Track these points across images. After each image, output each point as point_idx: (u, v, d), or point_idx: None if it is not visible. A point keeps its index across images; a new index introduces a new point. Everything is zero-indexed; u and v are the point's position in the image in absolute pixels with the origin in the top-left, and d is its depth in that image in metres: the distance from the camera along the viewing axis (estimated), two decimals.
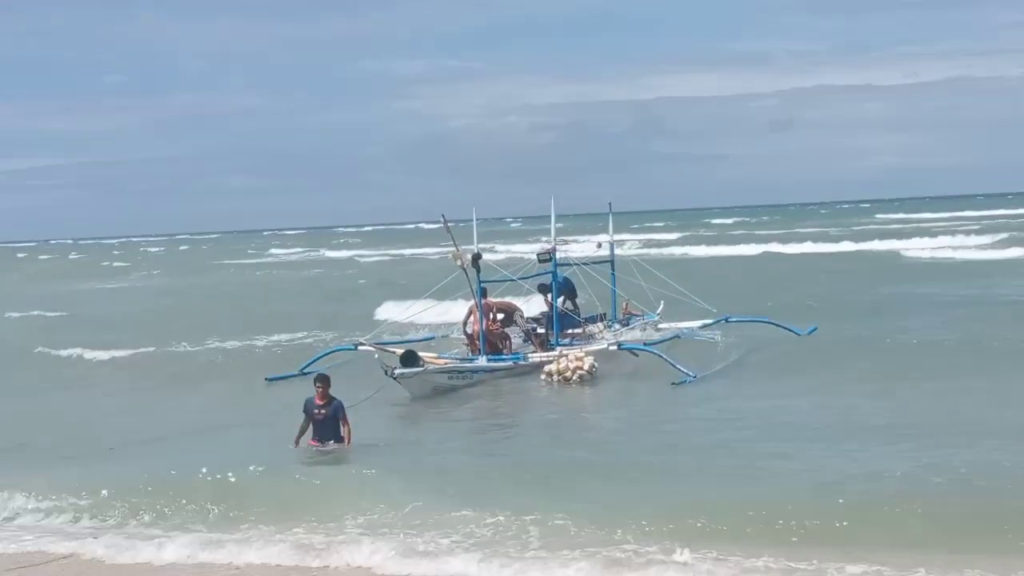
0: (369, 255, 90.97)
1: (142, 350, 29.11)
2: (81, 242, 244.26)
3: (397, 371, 20.87)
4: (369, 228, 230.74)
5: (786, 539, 11.18)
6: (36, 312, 43.89)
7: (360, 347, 24.61)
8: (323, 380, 16.38)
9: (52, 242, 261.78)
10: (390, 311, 33.22)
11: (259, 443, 17.38)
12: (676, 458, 15.03)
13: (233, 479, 14.12)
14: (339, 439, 16.20)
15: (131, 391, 24.71)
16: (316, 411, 16.21)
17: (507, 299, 25.13)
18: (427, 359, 22.18)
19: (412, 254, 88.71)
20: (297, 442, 16.28)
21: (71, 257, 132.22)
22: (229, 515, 13.24)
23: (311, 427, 16.34)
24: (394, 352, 22.55)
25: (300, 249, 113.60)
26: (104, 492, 14.01)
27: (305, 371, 24.06)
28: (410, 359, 21.41)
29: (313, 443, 16.26)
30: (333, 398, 16.33)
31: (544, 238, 27.61)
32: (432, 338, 26.76)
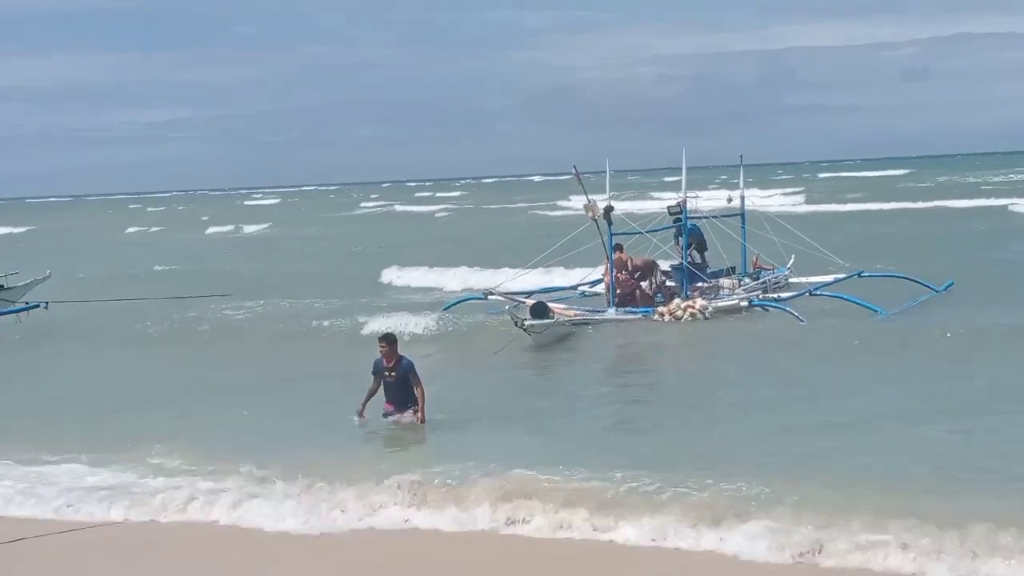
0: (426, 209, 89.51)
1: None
2: (212, 193, 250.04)
3: (527, 322, 21.17)
4: (490, 180, 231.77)
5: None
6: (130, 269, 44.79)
7: (490, 296, 24.99)
8: (387, 339, 14.81)
9: (194, 192, 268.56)
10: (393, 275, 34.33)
11: None
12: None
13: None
14: (412, 403, 14.59)
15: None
16: (386, 373, 14.64)
17: (647, 256, 25.04)
18: (556, 310, 22.39)
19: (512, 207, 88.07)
20: (363, 408, 14.75)
21: (179, 208, 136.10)
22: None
23: (383, 390, 14.81)
24: (524, 302, 22.89)
25: (383, 202, 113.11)
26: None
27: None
28: (540, 310, 21.69)
29: (388, 407, 14.72)
30: (402, 357, 14.71)
31: (672, 194, 27.45)
32: (561, 288, 26.92)
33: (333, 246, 54.22)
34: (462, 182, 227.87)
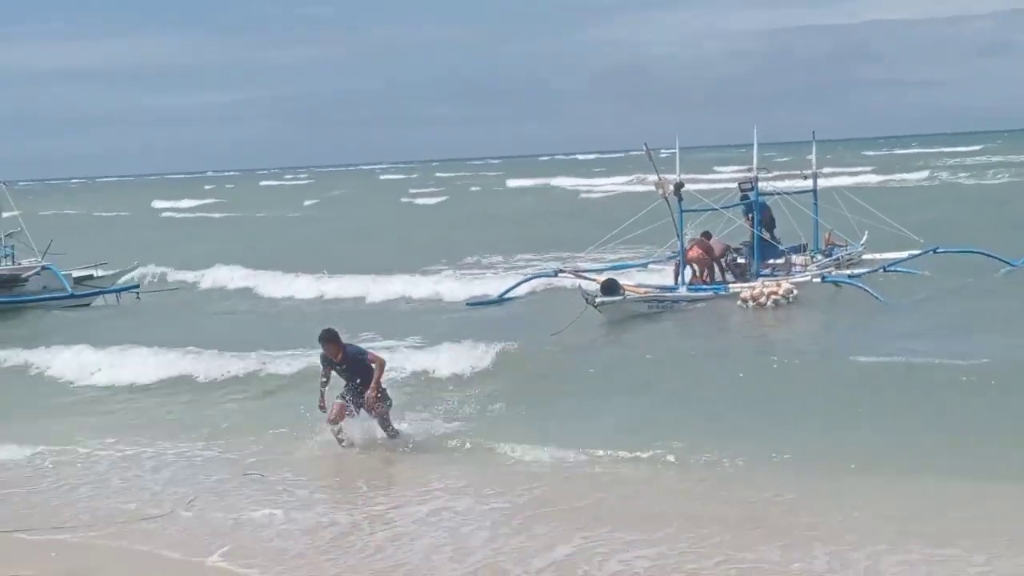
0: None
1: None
2: (275, 172, 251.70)
3: (598, 299, 21.16)
4: (562, 156, 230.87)
5: None
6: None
7: (560, 274, 25.05)
8: (327, 337, 13.52)
9: (262, 171, 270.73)
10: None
11: None
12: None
13: None
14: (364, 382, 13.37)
15: None
16: (338, 366, 13.54)
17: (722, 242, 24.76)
18: (627, 288, 22.39)
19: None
20: (323, 400, 13.54)
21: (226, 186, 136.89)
22: None
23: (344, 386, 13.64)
24: (594, 280, 22.94)
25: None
26: None
27: (504, 297, 24.88)
28: (611, 288, 21.67)
29: (336, 408, 13.50)
30: (347, 345, 13.71)
31: (742, 166, 27.22)
32: (631, 266, 26.88)
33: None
34: (542, 158, 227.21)
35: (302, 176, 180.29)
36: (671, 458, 12.17)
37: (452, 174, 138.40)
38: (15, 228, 29.67)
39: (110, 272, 29.74)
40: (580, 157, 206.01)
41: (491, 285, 26.69)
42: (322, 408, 13.49)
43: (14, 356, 20.35)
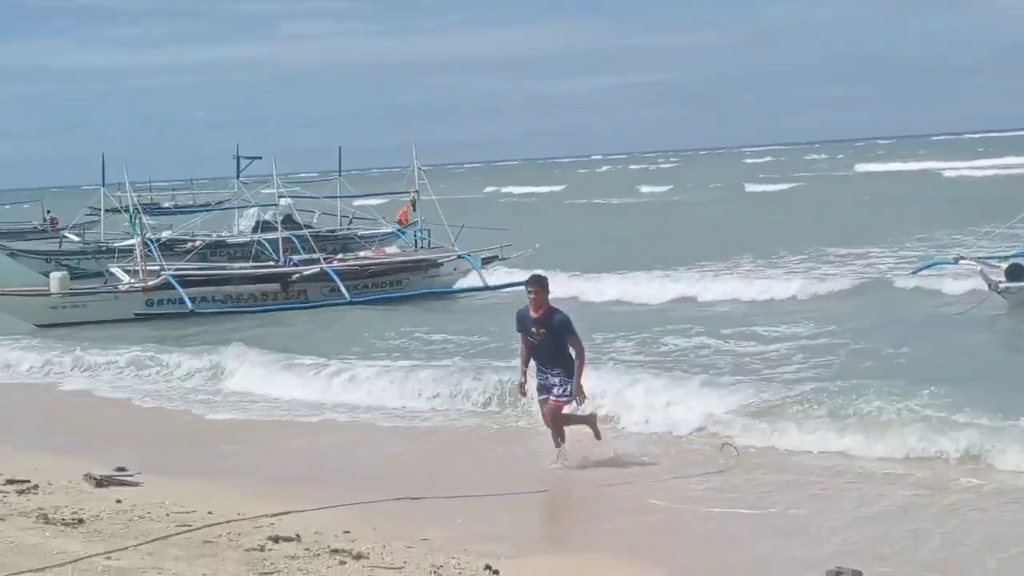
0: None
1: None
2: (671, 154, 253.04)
3: (1002, 284, 20.48)
4: (968, 136, 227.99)
5: None
6: None
7: (960, 261, 23.76)
8: (537, 283, 11.51)
9: (648, 154, 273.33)
10: None
11: None
12: None
13: None
14: (563, 371, 11.43)
15: None
16: (533, 330, 11.46)
17: None
18: None
19: None
20: (524, 381, 11.86)
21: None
22: None
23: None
24: (997, 267, 21.79)
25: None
26: None
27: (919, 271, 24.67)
28: (1017, 273, 20.73)
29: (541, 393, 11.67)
30: (556, 310, 11.60)
31: None
32: None
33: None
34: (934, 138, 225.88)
35: (672, 160, 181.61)
36: None
37: (823, 156, 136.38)
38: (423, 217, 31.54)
39: (514, 255, 29.64)
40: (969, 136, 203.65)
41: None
42: (522, 391, 11.97)
43: None
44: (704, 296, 24.90)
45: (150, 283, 26.40)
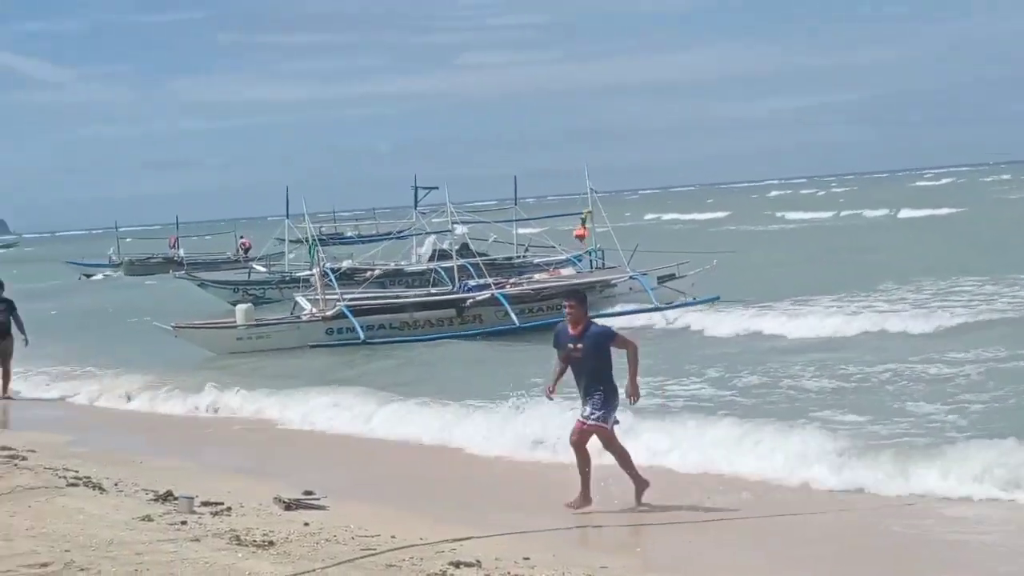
0: None
1: None
2: (862, 177, 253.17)
3: None
4: None
5: None
6: None
7: None
8: (574, 297, 11.20)
9: (837, 176, 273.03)
10: None
11: None
12: None
13: None
14: (599, 390, 10.75)
15: None
16: (571, 346, 10.92)
17: None
18: None
19: None
20: (553, 386, 11.32)
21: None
22: None
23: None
24: None
25: None
26: None
27: None
28: None
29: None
30: (592, 322, 11.24)
31: None
32: None
33: None
34: None
35: (849, 183, 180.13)
36: None
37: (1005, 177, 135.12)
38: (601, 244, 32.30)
39: (690, 272, 29.84)
40: None
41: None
42: (550, 395, 11.42)
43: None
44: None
45: (328, 313, 27.13)
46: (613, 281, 29.24)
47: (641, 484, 11.06)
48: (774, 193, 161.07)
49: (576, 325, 10.95)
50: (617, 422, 11.04)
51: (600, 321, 11.74)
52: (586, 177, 32.85)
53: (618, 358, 10.94)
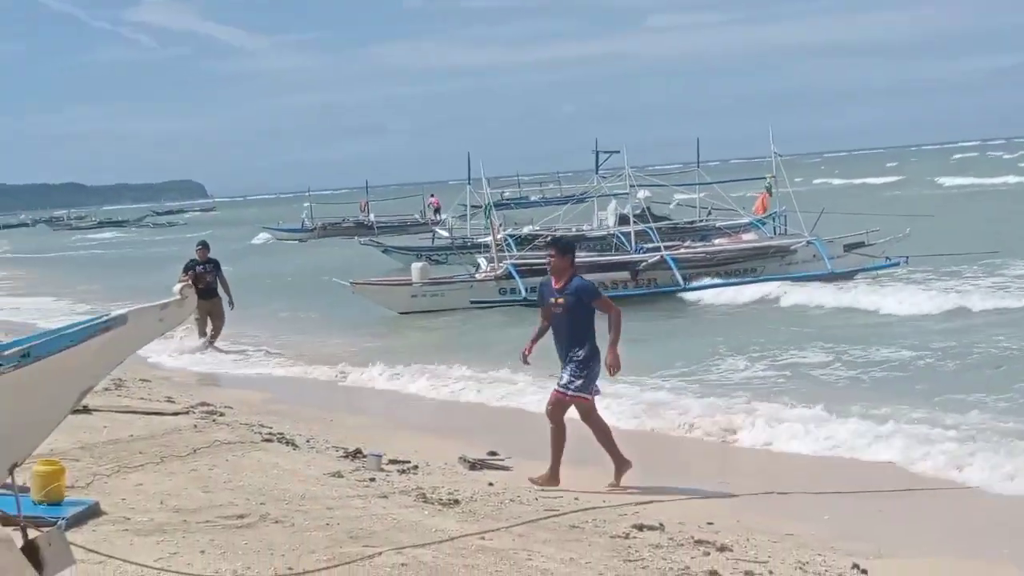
0: None
1: None
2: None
3: None
4: None
5: None
6: None
7: None
8: (557, 246, 10.54)
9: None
10: None
11: None
12: None
13: None
14: (579, 350, 10.04)
15: None
16: (552, 300, 10.25)
17: None
18: None
19: None
20: (528, 351, 10.61)
21: None
22: None
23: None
24: None
25: None
26: None
27: None
28: None
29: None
30: (577, 276, 10.34)
31: None
32: None
33: None
34: None
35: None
36: None
37: None
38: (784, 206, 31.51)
39: (881, 240, 29.39)
40: None
41: None
42: (525, 358, 10.64)
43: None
44: None
45: (499, 272, 27.40)
46: (793, 247, 28.71)
47: (621, 464, 10.33)
48: (957, 157, 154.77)
49: (559, 278, 10.23)
50: (598, 392, 10.39)
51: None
52: (770, 140, 32.25)
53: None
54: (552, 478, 10.34)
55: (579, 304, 10.02)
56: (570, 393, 10.13)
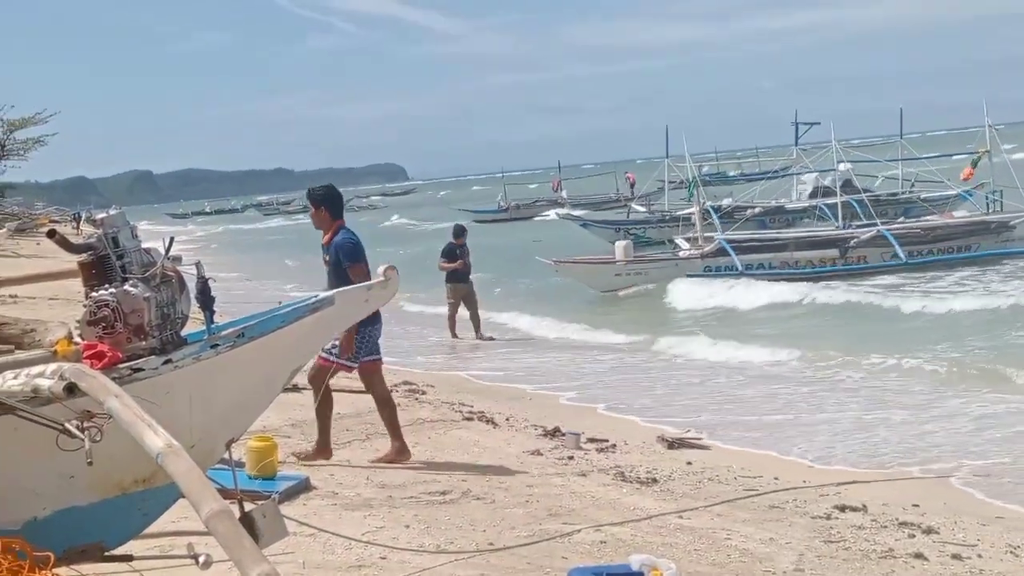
0: None
1: None
2: None
3: None
4: None
5: None
6: None
7: None
8: (312, 198, 9.33)
9: None
10: None
11: None
12: None
13: None
14: None
15: None
16: (324, 256, 9.27)
17: None
18: None
19: None
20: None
21: None
22: None
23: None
24: None
25: None
26: None
27: None
28: None
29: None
30: (343, 228, 9.21)
31: None
32: None
33: None
34: None
35: None
36: None
37: None
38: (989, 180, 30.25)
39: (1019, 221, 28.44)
40: None
41: None
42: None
43: None
44: None
45: (707, 249, 27.17)
46: (1013, 222, 27.56)
47: (396, 448, 9.34)
48: None
49: (324, 232, 9.12)
50: (377, 358, 9.31)
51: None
52: (984, 111, 30.87)
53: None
54: (321, 451, 9.22)
55: (336, 263, 8.99)
56: (332, 358, 9.03)
